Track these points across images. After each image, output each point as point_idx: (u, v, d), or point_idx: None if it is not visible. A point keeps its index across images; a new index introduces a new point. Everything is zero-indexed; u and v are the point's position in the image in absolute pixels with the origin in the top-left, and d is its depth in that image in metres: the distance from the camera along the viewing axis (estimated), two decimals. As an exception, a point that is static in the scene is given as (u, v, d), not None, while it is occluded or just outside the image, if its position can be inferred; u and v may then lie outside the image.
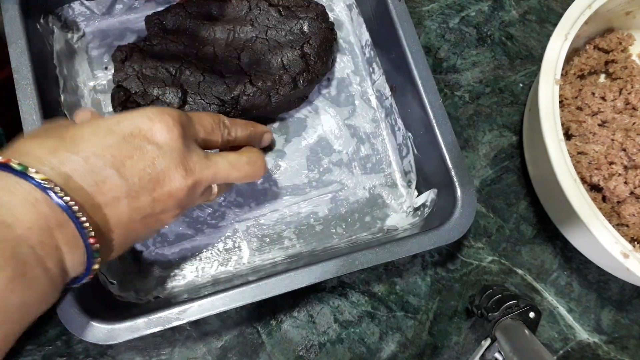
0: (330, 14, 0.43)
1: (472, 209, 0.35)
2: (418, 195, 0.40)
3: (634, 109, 0.41)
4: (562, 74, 0.41)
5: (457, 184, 0.35)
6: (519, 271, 0.42)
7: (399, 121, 0.41)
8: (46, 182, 0.23)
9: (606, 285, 0.42)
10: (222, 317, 0.38)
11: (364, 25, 0.43)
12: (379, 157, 0.42)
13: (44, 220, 0.23)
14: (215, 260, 0.38)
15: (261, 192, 0.40)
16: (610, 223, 0.36)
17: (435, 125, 0.36)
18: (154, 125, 0.26)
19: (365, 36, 0.43)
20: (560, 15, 0.39)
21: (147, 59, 0.37)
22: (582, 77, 0.45)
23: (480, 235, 0.42)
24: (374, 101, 0.43)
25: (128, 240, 0.28)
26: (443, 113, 0.36)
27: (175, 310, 0.31)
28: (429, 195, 0.38)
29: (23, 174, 0.23)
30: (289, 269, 0.32)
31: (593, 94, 0.42)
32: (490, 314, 0.36)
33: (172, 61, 0.37)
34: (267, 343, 0.38)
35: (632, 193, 0.38)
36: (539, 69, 0.38)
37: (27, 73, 0.34)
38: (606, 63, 0.45)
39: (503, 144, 0.45)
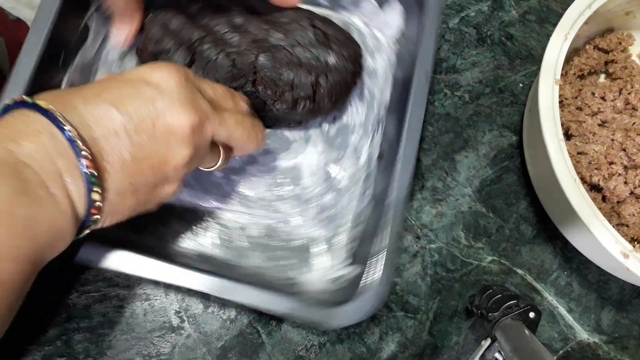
0: (369, 59, 0.42)
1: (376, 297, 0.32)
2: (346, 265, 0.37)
3: (634, 109, 0.41)
4: (562, 74, 0.41)
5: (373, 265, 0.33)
6: (519, 271, 0.42)
7: (368, 192, 0.39)
8: (51, 110, 0.24)
9: (606, 285, 0.42)
10: (222, 317, 0.38)
11: (390, 85, 0.41)
12: (338, 212, 0.39)
13: (45, 149, 0.24)
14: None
15: (215, 184, 0.39)
16: (610, 223, 0.36)
17: (389, 214, 0.34)
18: (155, 72, 0.27)
19: (386, 96, 0.41)
20: (560, 15, 0.39)
21: (178, 15, 0.37)
22: (582, 77, 0.45)
23: (480, 235, 0.42)
24: (362, 160, 0.40)
25: (135, 183, 0.27)
26: (402, 211, 0.34)
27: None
28: (352, 271, 0.36)
29: (32, 105, 0.24)
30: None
31: (593, 94, 0.42)
32: (490, 314, 0.36)
33: (199, 29, 0.37)
34: (267, 343, 0.38)
35: (632, 193, 0.38)
36: (539, 69, 0.38)
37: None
38: (606, 63, 0.45)
39: (503, 144, 0.45)
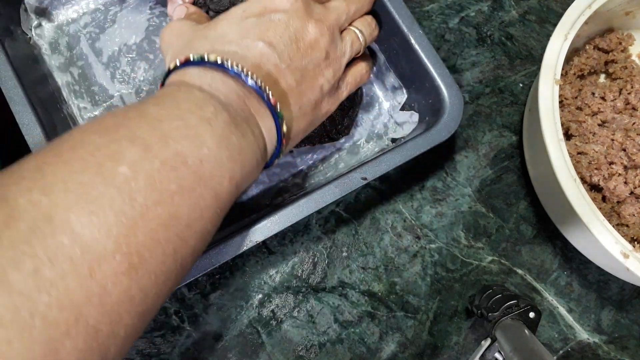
0: None
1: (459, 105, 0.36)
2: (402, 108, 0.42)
3: (634, 109, 0.41)
4: (562, 74, 0.41)
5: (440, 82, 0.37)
6: (519, 271, 0.42)
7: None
8: (227, 61, 0.27)
9: (606, 285, 0.42)
10: (222, 317, 0.38)
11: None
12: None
13: (236, 93, 0.27)
14: None
15: None
16: (610, 223, 0.36)
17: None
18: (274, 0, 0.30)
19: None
20: (560, 15, 0.39)
21: None
22: (582, 77, 0.45)
23: (480, 235, 0.42)
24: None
25: (302, 107, 0.30)
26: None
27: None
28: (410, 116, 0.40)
29: (205, 62, 0.27)
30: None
31: (593, 94, 0.42)
32: (490, 314, 0.36)
33: None
34: (267, 343, 0.38)
35: (632, 193, 0.38)
36: (538, 69, 0.38)
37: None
38: (606, 63, 0.45)
39: (503, 144, 0.45)
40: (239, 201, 0.39)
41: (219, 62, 0.27)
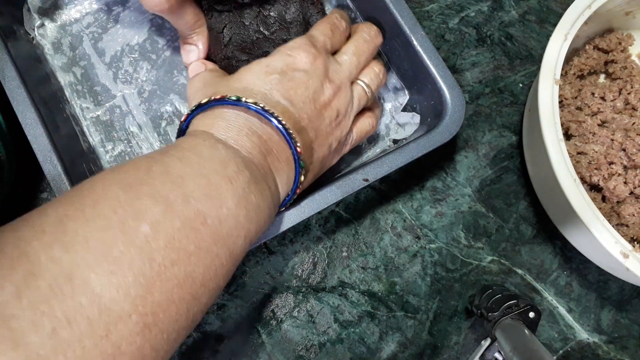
0: None
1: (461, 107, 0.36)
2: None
3: (634, 109, 0.41)
4: (561, 74, 0.41)
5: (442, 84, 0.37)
6: (519, 271, 0.42)
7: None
8: (264, 108, 0.28)
9: (606, 285, 0.42)
10: (222, 317, 0.38)
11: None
12: None
13: (258, 148, 0.28)
14: None
15: None
16: (610, 223, 0.36)
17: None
18: (296, 58, 0.31)
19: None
20: (560, 16, 0.39)
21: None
22: (581, 77, 0.45)
23: (480, 235, 0.42)
24: None
25: (313, 162, 0.32)
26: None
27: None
28: (412, 117, 0.41)
29: (243, 103, 0.28)
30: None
31: (593, 94, 0.42)
32: (490, 314, 0.36)
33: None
34: (267, 343, 0.38)
35: (631, 193, 0.38)
36: (538, 69, 0.38)
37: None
38: (606, 63, 0.45)
39: (503, 144, 0.45)
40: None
41: (254, 106, 0.28)
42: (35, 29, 0.40)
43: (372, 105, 0.37)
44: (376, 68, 0.36)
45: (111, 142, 0.39)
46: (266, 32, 0.37)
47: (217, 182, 0.24)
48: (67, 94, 0.40)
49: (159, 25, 0.42)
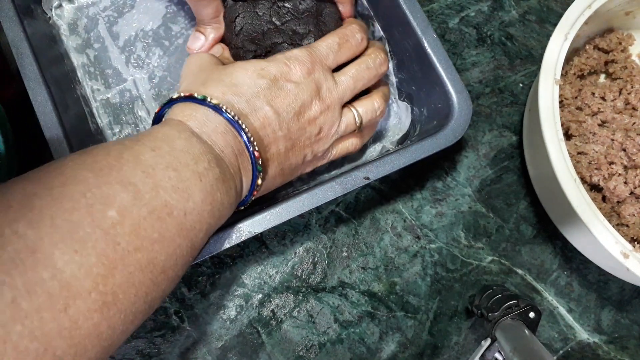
0: None
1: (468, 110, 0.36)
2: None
3: (634, 109, 0.41)
4: (562, 74, 0.40)
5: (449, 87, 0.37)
6: (519, 271, 0.42)
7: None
8: (236, 117, 0.28)
9: (606, 285, 0.42)
10: (222, 317, 0.38)
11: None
12: None
13: (231, 147, 0.28)
14: None
15: None
16: (610, 223, 0.36)
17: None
18: (291, 69, 0.31)
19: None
20: (560, 15, 0.39)
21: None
22: (582, 77, 0.45)
23: (480, 235, 0.42)
24: None
25: (283, 168, 0.32)
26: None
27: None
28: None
29: (217, 108, 0.28)
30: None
31: (593, 94, 0.42)
32: (490, 314, 0.36)
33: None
34: (267, 343, 0.38)
35: (632, 193, 0.38)
36: (539, 69, 0.38)
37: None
38: (606, 63, 0.45)
39: (503, 144, 0.45)
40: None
41: (231, 115, 0.28)
42: (53, 9, 0.41)
43: (359, 133, 0.37)
44: (376, 103, 0.35)
45: (119, 124, 0.40)
46: (277, 23, 0.36)
47: (188, 177, 0.25)
48: (79, 74, 0.40)
49: (174, 13, 0.42)
